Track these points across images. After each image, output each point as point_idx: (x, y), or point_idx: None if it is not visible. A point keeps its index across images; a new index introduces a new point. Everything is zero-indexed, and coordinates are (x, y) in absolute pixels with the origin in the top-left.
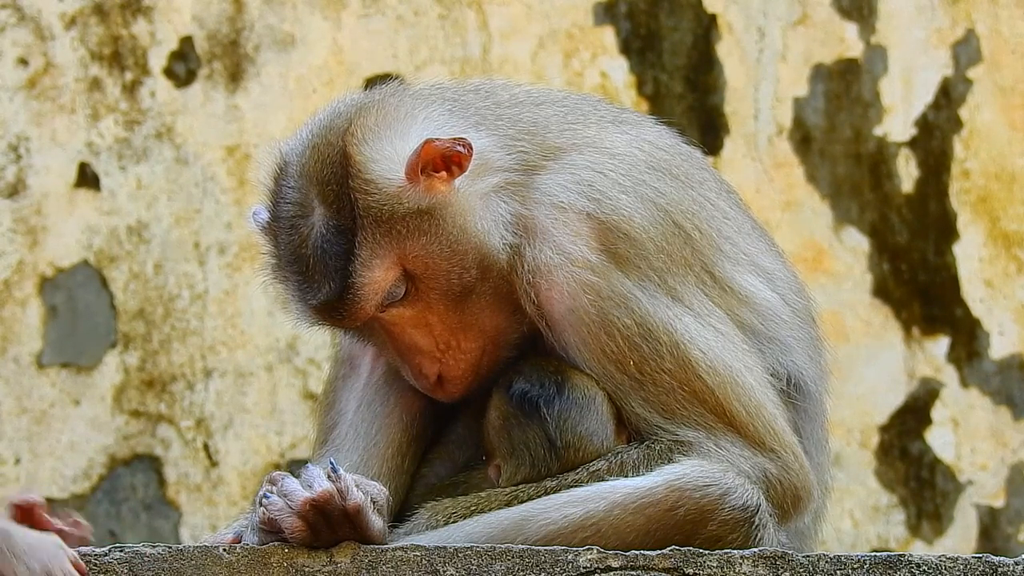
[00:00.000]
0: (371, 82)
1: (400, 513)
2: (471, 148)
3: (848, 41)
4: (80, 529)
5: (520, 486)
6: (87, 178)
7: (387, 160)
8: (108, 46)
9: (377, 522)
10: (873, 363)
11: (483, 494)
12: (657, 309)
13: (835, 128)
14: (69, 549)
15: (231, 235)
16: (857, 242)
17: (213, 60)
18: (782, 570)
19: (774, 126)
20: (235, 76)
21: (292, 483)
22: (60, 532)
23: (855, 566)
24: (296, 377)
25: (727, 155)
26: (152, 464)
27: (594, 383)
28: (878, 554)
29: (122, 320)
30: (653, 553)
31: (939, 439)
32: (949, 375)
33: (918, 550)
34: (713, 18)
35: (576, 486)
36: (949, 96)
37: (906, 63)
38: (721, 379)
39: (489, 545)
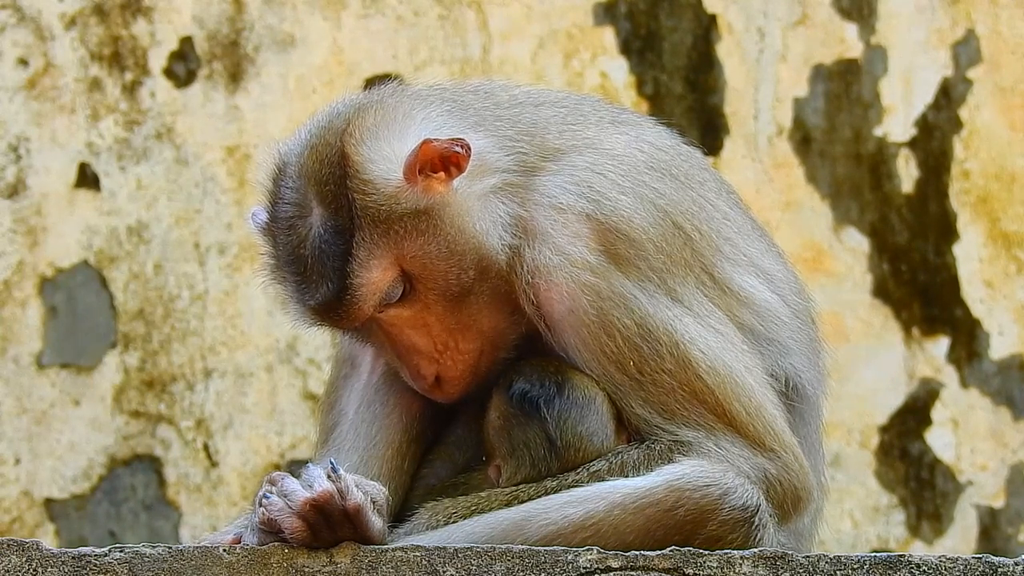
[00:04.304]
0: (371, 82)
1: (400, 514)
2: (469, 149)
3: (848, 41)
4: None
5: (520, 486)
6: (87, 178)
7: (385, 160)
8: (108, 46)
9: (377, 522)
10: (873, 363)
11: (483, 494)
12: (657, 310)
13: (835, 128)
14: None
15: (231, 235)
16: (857, 242)
17: (213, 60)
18: (782, 570)
19: (774, 126)
20: (235, 76)
21: (292, 483)
22: None
23: (855, 566)
24: (296, 377)
25: (727, 155)
26: (152, 464)
27: (594, 383)
28: (878, 554)
29: (122, 320)
30: (653, 553)
31: (939, 439)
32: (949, 375)
33: (918, 550)
34: (713, 18)
35: (576, 486)
36: (949, 96)
37: (906, 63)
38: (721, 379)
39: (489, 545)
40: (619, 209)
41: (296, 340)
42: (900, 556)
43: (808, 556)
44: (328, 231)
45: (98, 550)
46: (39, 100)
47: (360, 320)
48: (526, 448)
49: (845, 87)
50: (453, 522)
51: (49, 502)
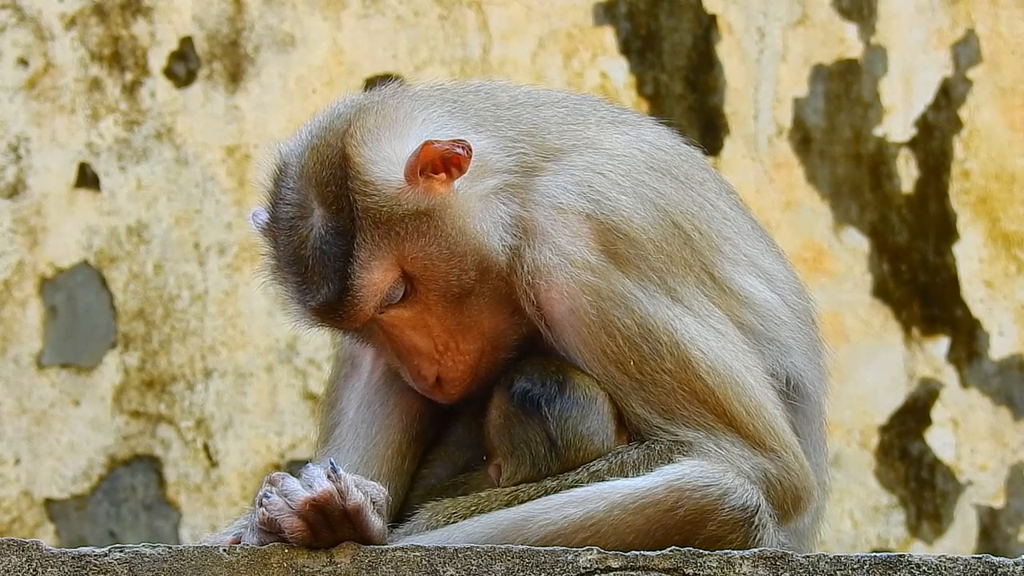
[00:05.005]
0: (371, 82)
1: (400, 514)
2: (470, 150)
3: (848, 41)
4: None
5: (520, 486)
6: (87, 178)
7: (386, 162)
8: (108, 46)
9: (377, 522)
10: (873, 363)
11: (483, 494)
12: (657, 309)
13: (835, 128)
14: None
15: (231, 235)
16: (857, 242)
17: (213, 60)
18: (782, 570)
19: (774, 126)
20: (235, 76)
21: (292, 483)
22: None
23: (855, 566)
24: (296, 377)
25: (727, 155)
26: (152, 464)
27: (595, 383)
28: (878, 554)
29: (122, 320)
30: (653, 553)
31: (939, 439)
32: (949, 375)
33: (918, 551)
34: (713, 18)
35: (576, 486)
36: (949, 96)
37: (906, 63)
38: (721, 379)
39: (489, 545)
40: (619, 209)
41: (296, 340)
42: (900, 556)
43: (808, 556)
44: (329, 232)
45: (98, 550)
46: (39, 100)
47: (361, 321)
48: (527, 447)
49: (845, 87)
50: (453, 522)
51: (49, 502)
